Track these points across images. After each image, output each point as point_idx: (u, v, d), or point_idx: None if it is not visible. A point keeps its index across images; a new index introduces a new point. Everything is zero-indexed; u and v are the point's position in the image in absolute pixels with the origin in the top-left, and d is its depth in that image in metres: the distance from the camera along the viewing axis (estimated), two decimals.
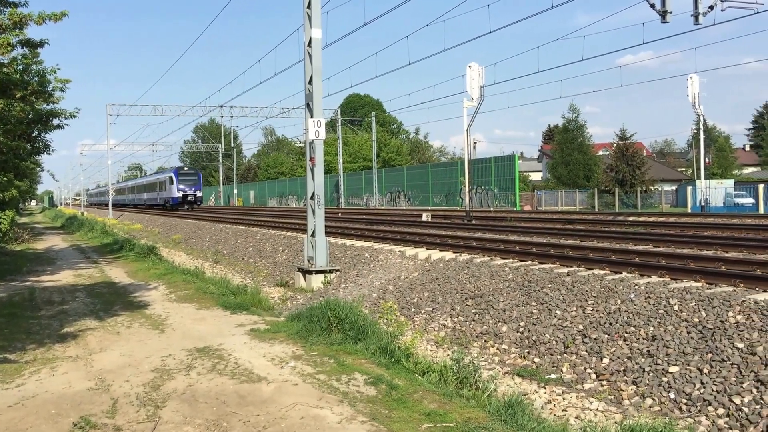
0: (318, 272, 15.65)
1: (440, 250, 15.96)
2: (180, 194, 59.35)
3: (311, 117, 15.64)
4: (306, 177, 16.44)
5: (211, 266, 21.51)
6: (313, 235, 15.79)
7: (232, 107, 60.32)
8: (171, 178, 60.97)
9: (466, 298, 11.79)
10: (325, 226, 16.38)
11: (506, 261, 13.44)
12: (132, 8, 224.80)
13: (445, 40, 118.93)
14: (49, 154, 23.49)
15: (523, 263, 12.99)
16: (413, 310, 12.16)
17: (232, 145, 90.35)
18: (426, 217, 31.20)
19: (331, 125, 70.47)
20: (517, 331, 9.85)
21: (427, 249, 16.40)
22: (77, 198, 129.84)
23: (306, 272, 15.82)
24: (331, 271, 15.90)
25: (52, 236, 35.87)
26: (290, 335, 9.05)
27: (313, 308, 9.86)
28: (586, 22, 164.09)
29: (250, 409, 6.00)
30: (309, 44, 15.74)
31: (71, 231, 40.44)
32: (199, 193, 61.08)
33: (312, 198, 15.87)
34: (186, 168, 68.71)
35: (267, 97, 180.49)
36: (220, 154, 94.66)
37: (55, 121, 17.61)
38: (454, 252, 15.47)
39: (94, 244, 28.46)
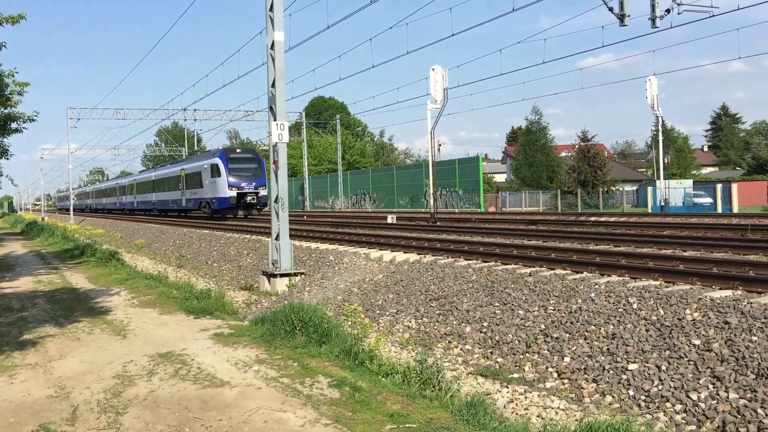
0: (283, 275, 15.60)
1: (405, 252, 16.02)
2: (233, 192, 37.44)
3: (275, 120, 15.58)
4: (270, 180, 16.35)
5: (174, 271, 21.28)
6: (277, 238, 15.73)
7: (195, 110, 59.69)
8: (215, 166, 38.77)
9: (430, 300, 11.85)
10: (290, 229, 16.33)
11: (470, 262, 13.55)
12: (92, 11, 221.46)
13: (409, 43, 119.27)
14: (8, 158, 23.06)
15: (486, 264, 13.10)
16: (378, 312, 12.19)
17: (196, 148, 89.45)
18: (391, 219, 31.29)
19: (295, 128, 70.23)
20: (481, 332, 9.94)
21: (392, 251, 16.44)
22: (38, 203, 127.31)
23: (271, 275, 15.75)
24: (295, 274, 15.86)
25: (12, 242, 35.17)
26: (254, 339, 9.01)
27: (277, 312, 9.83)
28: (548, 25, 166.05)
29: (212, 413, 5.97)
30: (272, 47, 15.68)
31: (31, 237, 39.69)
32: (262, 191, 38.34)
33: (276, 201, 15.81)
34: (239, 149, 42.91)
35: (231, 100, 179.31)
36: (185, 156, 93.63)
37: (14, 125, 17.30)
38: (418, 254, 15.54)
39: (55, 249, 27.97)
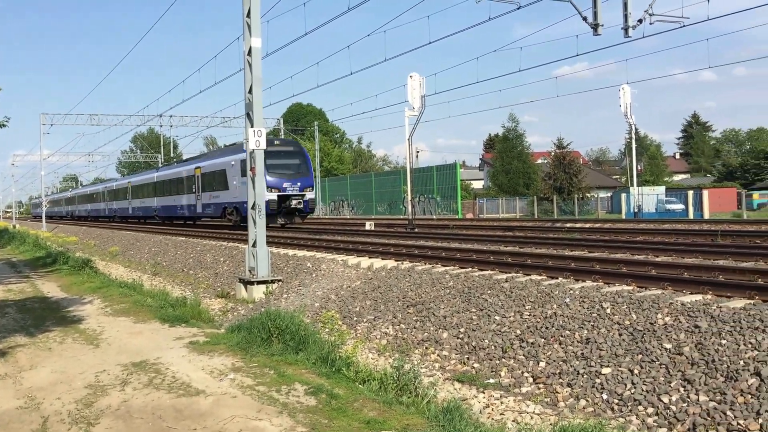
0: (260, 283, 15.53)
1: (383, 259, 16.03)
2: (272, 195, 29.13)
3: (251, 126, 15.54)
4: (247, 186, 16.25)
5: (149, 278, 21.10)
6: (254, 245, 15.66)
7: (171, 116, 59.37)
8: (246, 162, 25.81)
9: (407, 306, 11.87)
10: (268, 235, 16.27)
11: (447, 268, 13.59)
12: (68, 17, 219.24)
13: (386, 50, 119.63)
14: None
15: (463, 270, 13.16)
16: (355, 318, 12.18)
17: (172, 154, 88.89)
18: (369, 225, 31.32)
19: (274, 135, 70.05)
20: (458, 338, 9.98)
21: (370, 257, 16.45)
22: (9, 210, 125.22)
23: (247, 283, 15.67)
24: (273, 282, 15.79)
25: None
26: (230, 347, 8.96)
27: (254, 319, 9.79)
28: (523, 34, 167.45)
29: (187, 423, 5.93)
30: (249, 53, 15.65)
31: (2, 245, 39.13)
32: (309, 193, 31.12)
33: (253, 208, 15.76)
34: (278, 141, 34.57)
35: (208, 106, 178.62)
36: (160, 165, 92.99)
37: None
38: (396, 260, 15.57)
39: (26, 257, 27.60)
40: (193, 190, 38.29)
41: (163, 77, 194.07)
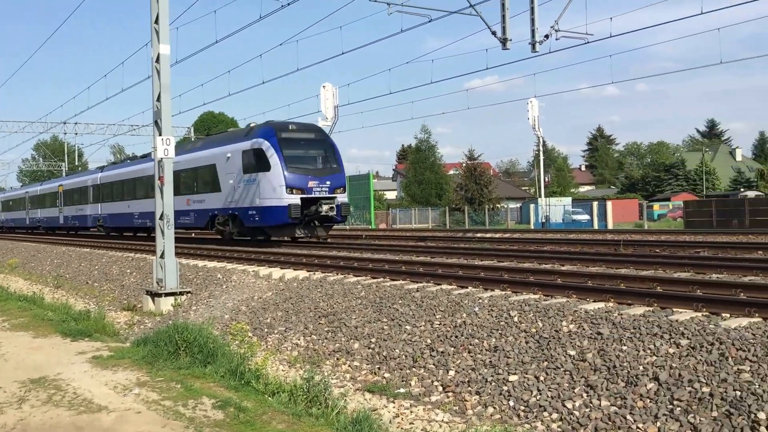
0: (168, 295, 15.14)
1: (294, 269, 15.93)
2: (293, 198, 22.07)
3: (160, 135, 15.18)
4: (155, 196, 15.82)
5: (51, 291, 20.23)
6: (162, 256, 15.26)
7: (76, 123, 57.06)
8: (259, 152, 22.90)
9: (319, 317, 11.83)
10: (177, 246, 15.89)
11: (359, 278, 13.63)
12: None
13: (299, 60, 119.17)
14: None
15: (375, 280, 13.22)
16: (266, 330, 12.04)
17: (77, 163, 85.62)
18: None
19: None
20: (369, 348, 10.01)
21: (282, 268, 16.32)
22: None
23: (155, 295, 15.25)
24: (181, 293, 15.43)
25: None
26: (135, 361, 8.69)
27: (161, 332, 9.54)
28: (435, 46, 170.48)
29: None
30: (157, 60, 15.29)
31: None
32: (341, 195, 23.31)
33: (161, 218, 15.36)
34: (293, 125, 24.52)
35: (114, 114, 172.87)
36: (64, 174, 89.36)
37: None
38: (308, 270, 15.49)
39: None
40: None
41: (68, 84, 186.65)
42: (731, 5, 18.23)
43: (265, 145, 22.62)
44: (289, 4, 19.40)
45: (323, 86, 29.82)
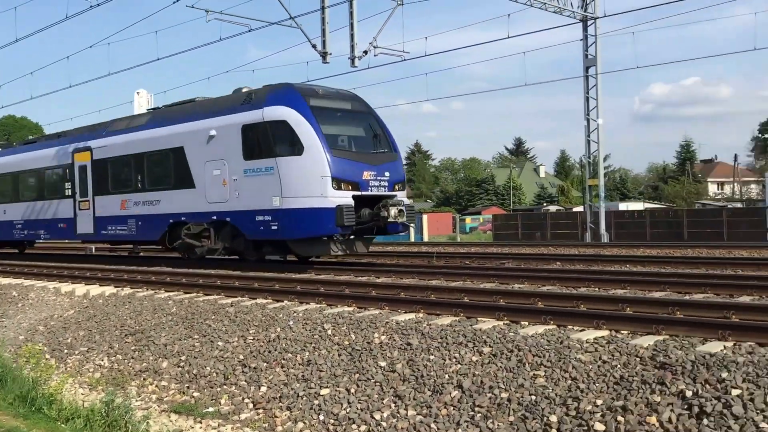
0: None
1: (101, 285, 14.99)
2: (344, 197, 14.95)
3: None
4: None
5: None
6: None
7: None
8: (283, 124, 15.33)
9: (125, 335, 11.19)
10: None
11: (171, 294, 13.08)
12: None
13: (111, 64, 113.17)
14: None
15: (188, 295, 12.75)
16: (66, 351, 11.21)
17: None
18: (92, 249, 29.24)
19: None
20: (178, 366, 9.59)
21: (87, 284, 15.29)
22: None
23: None
24: None
25: None
26: None
27: None
28: (257, 56, 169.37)
29: None
30: None
31: None
32: (400, 191, 16.50)
33: None
34: (321, 90, 16.53)
35: None
36: None
37: None
38: (116, 286, 14.64)
39: None
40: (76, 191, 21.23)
41: None
42: (533, 31, 19.69)
43: (293, 115, 15.33)
44: (99, 5, 18.37)
45: (137, 92, 28.52)
